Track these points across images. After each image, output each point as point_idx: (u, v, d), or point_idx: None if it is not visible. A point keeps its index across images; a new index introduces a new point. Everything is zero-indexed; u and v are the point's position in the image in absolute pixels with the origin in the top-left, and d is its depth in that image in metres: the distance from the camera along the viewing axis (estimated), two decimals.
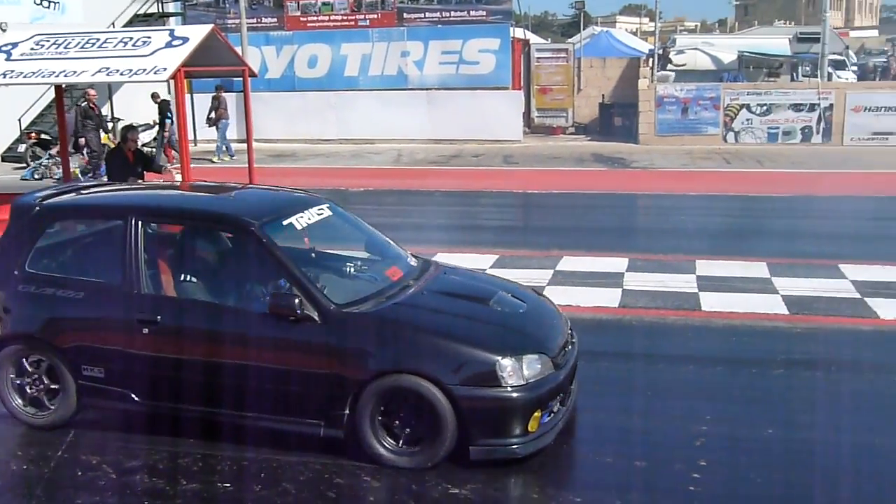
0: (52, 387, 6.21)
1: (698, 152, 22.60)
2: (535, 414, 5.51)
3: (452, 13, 25.21)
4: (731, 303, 9.25)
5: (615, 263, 10.69)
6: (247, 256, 6.16)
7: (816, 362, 7.74)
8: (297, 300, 5.56)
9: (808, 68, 27.58)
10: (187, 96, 17.65)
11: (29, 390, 6.27)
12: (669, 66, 27.42)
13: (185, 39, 10.07)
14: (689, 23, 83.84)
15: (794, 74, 28.30)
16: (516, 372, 5.50)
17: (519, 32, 27.11)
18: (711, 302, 9.29)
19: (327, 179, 18.08)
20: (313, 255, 6.68)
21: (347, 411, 5.56)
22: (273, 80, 26.20)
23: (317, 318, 5.58)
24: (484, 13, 25.08)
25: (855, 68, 31.58)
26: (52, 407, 6.23)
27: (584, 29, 36.57)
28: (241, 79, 13.00)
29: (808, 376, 7.38)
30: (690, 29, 73.58)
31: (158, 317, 5.88)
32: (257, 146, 21.69)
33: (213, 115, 22.24)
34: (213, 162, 22.16)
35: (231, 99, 23.00)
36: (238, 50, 21.79)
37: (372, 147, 24.78)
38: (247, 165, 12.13)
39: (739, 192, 16.81)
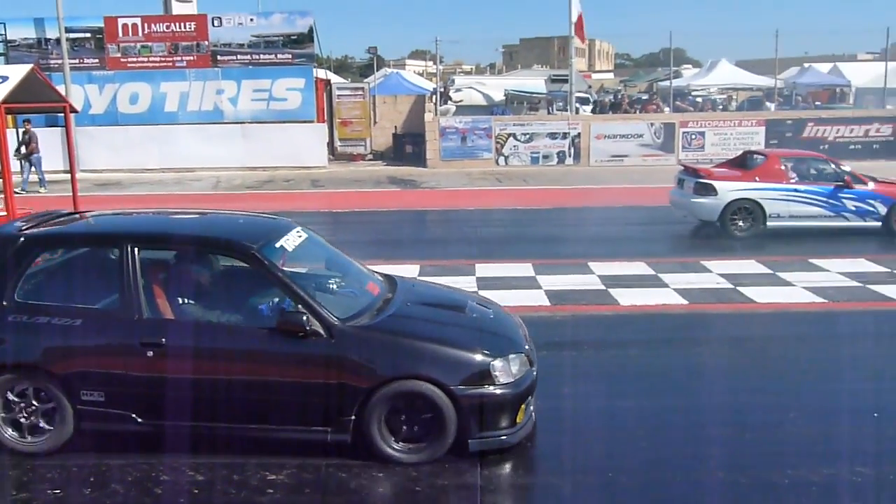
0: (46, 414, 5.60)
1: (476, 174, 23.27)
2: (521, 406, 5.57)
3: (262, 56, 24.67)
4: (503, 298, 9.48)
5: (409, 270, 10.82)
6: (249, 278, 5.80)
7: (572, 343, 8.18)
8: (304, 317, 5.34)
9: (560, 104, 29.05)
10: (10, 131, 16.28)
11: (22, 420, 5.61)
12: (450, 102, 28.09)
13: (5, 78, 9.41)
14: (466, 66, 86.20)
15: (550, 109, 29.74)
16: (506, 371, 5.52)
17: (322, 73, 26.91)
18: (488, 298, 9.57)
19: (153, 204, 17.23)
20: (306, 273, 6.21)
21: (353, 417, 5.38)
22: (97, 115, 24.63)
23: (323, 332, 5.38)
24: (290, 56, 24.71)
25: (594, 102, 33.61)
26: (47, 433, 5.60)
27: (377, 70, 36.83)
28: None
29: (567, 355, 7.75)
30: (467, 71, 75.62)
31: (163, 339, 5.44)
32: (83, 176, 20.39)
33: (23, 149, 20.60)
34: (39, 192, 20.58)
35: (56, 133, 21.44)
36: (61, 88, 20.40)
37: (193, 175, 23.83)
38: (71, 194, 11.42)
39: (509, 206, 17.46)
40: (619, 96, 34.92)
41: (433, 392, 5.35)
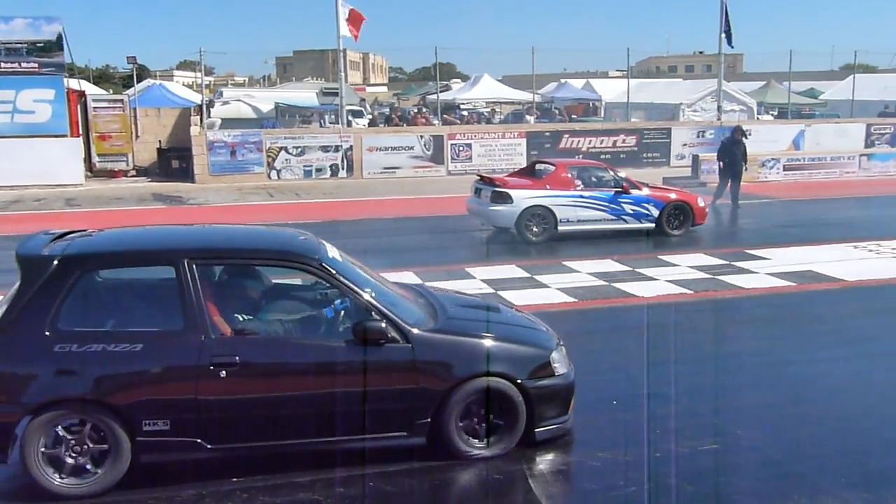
0: (98, 450, 5.06)
1: (247, 188, 22.70)
2: (573, 393, 5.95)
3: (3, 64, 22.56)
4: None
5: None
6: (310, 290, 5.85)
7: None
8: (383, 324, 5.34)
9: (332, 117, 29.13)
10: None
11: (68, 460, 5.02)
12: (212, 115, 27.19)
13: None
14: (238, 77, 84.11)
15: (322, 122, 29.73)
16: (561, 362, 5.93)
17: (74, 83, 25.06)
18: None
19: None
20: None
21: (430, 419, 5.46)
22: None
23: (399, 339, 5.40)
24: (36, 65, 22.75)
25: (371, 116, 34.07)
26: (98, 472, 5.06)
27: (139, 82, 34.93)
28: None
29: None
30: (240, 83, 73.86)
31: (236, 357, 5.13)
32: None
33: None
34: None
35: None
36: None
37: None
38: None
39: (280, 221, 17.13)
40: (392, 109, 35.63)
41: (506, 387, 5.60)
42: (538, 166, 15.64)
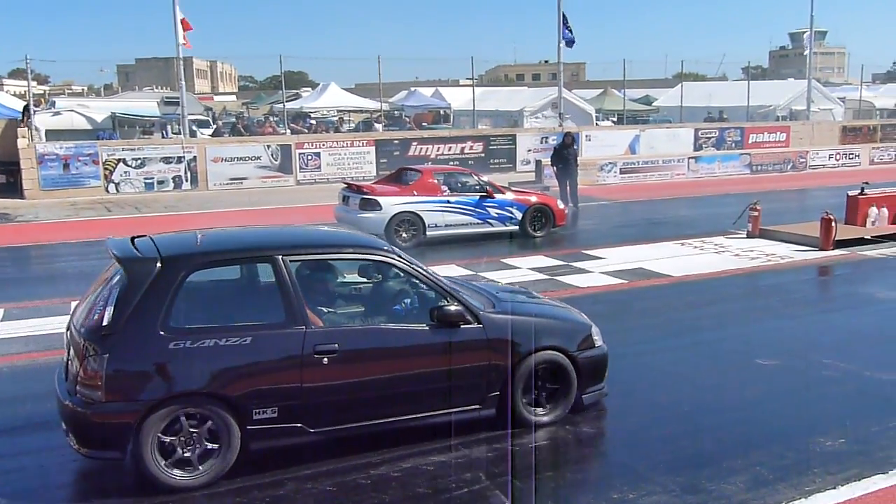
0: (210, 442, 5.28)
1: (83, 203, 21.48)
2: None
3: None
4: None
5: None
6: (395, 278, 6.27)
7: None
8: (460, 308, 5.91)
9: (176, 127, 28.07)
10: None
11: (182, 452, 5.21)
12: (39, 126, 25.51)
13: None
14: (76, 86, 79.62)
15: (165, 132, 28.60)
16: (598, 334, 6.74)
17: None
18: None
19: None
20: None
21: (498, 392, 6.07)
22: None
23: (472, 320, 5.95)
24: None
25: (216, 126, 33.05)
26: (210, 463, 5.28)
27: None
28: None
29: None
30: (78, 92, 69.93)
31: (336, 345, 5.53)
32: None
33: None
34: None
35: None
36: None
37: None
38: None
39: (119, 236, 16.33)
40: (237, 119, 34.78)
41: (561, 358, 6.35)
42: (405, 173, 15.81)
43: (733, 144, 32.56)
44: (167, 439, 5.19)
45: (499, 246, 14.55)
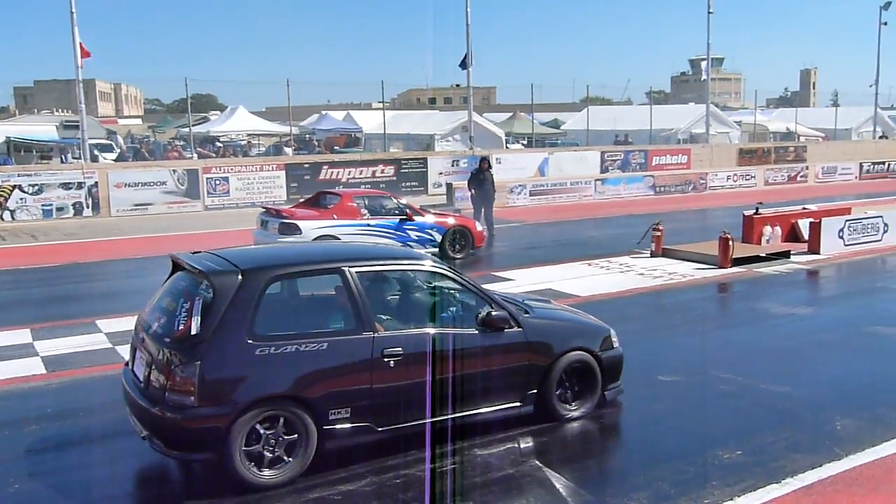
0: (290, 443, 5.62)
1: None
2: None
3: None
4: None
5: None
6: (444, 287, 6.70)
7: (69, 412, 7.52)
8: (506, 313, 6.53)
9: (76, 151, 27.15)
10: None
11: (265, 453, 5.55)
12: None
13: None
14: None
15: (64, 157, 27.63)
16: (616, 336, 7.33)
17: None
18: None
19: None
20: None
21: (536, 390, 6.67)
22: None
23: (513, 325, 6.56)
24: None
25: (119, 150, 32.12)
26: (289, 462, 5.63)
27: None
28: None
29: (61, 425, 7.11)
30: None
31: (400, 349, 5.95)
32: None
33: None
34: None
35: None
36: None
37: None
38: None
39: (11, 267, 15.66)
40: (141, 143, 33.90)
41: (588, 358, 6.96)
42: (324, 196, 15.75)
43: (637, 167, 33.57)
44: (253, 440, 5.51)
45: None
